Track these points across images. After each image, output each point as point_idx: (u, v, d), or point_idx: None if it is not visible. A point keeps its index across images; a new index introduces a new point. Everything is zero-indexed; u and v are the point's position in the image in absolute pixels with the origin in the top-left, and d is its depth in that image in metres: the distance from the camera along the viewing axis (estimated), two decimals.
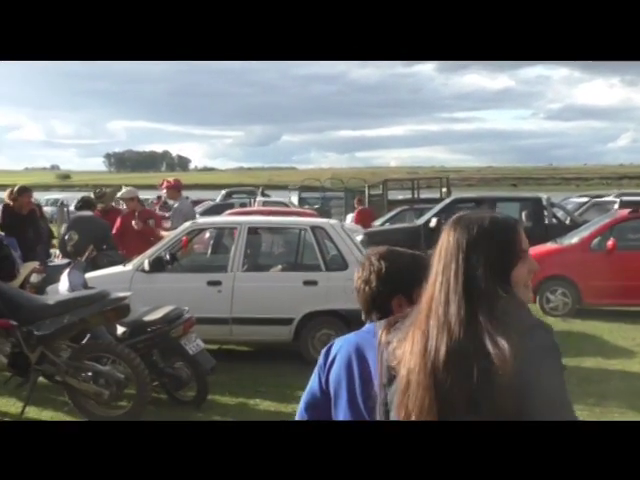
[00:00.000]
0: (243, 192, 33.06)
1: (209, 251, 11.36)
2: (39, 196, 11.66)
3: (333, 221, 9.79)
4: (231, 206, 23.05)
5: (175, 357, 7.20)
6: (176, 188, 11.33)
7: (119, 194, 11.54)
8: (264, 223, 10.32)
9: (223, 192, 33.92)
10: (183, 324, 7.10)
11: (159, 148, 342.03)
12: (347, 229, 9.64)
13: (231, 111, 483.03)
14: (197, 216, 11.81)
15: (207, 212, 22.60)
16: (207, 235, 11.35)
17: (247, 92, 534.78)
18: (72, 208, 12.01)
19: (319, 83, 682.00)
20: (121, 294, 6.74)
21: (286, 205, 22.07)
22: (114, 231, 11.00)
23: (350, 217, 28.77)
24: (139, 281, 8.96)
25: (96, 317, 6.56)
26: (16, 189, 10.47)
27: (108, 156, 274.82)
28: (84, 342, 6.81)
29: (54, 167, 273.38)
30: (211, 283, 8.96)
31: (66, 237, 8.25)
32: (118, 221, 11.07)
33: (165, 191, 11.60)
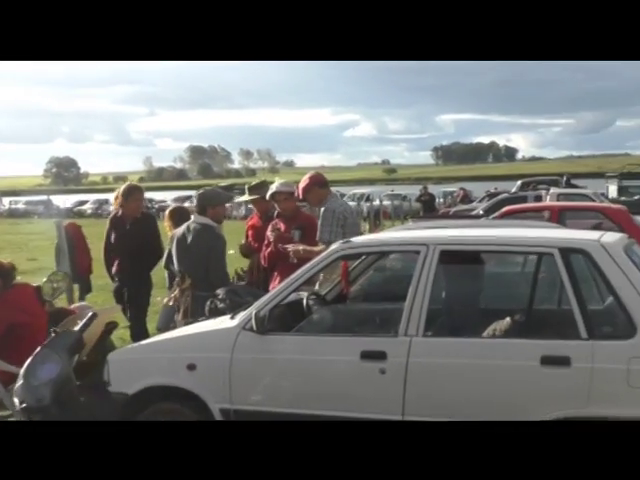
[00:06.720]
0: (543, 182, 27.59)
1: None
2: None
3: (609, 237, 4.99)
4: (524, 200, 18.41)
5: None
6: (318, 184, 6.83)
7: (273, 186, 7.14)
8: (471, 242, 5.24)
9: (518, 183, 28.68)
10: None
11: (486, 139, 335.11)
12: None
13: (560, 98, 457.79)
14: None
15: (492, 208, 18.25)
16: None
17: (579, 78, 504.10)
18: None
19: None
20: None
21: (591, 199, 16.78)
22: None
23: None
24: (246, 348, 5.09)
25: None
26: (122, 190, 7.48)
27: (436, 149, 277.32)
28: None
29: (384, 162, 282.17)
30: (367, 355, 4.81)
31: None
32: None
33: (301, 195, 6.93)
